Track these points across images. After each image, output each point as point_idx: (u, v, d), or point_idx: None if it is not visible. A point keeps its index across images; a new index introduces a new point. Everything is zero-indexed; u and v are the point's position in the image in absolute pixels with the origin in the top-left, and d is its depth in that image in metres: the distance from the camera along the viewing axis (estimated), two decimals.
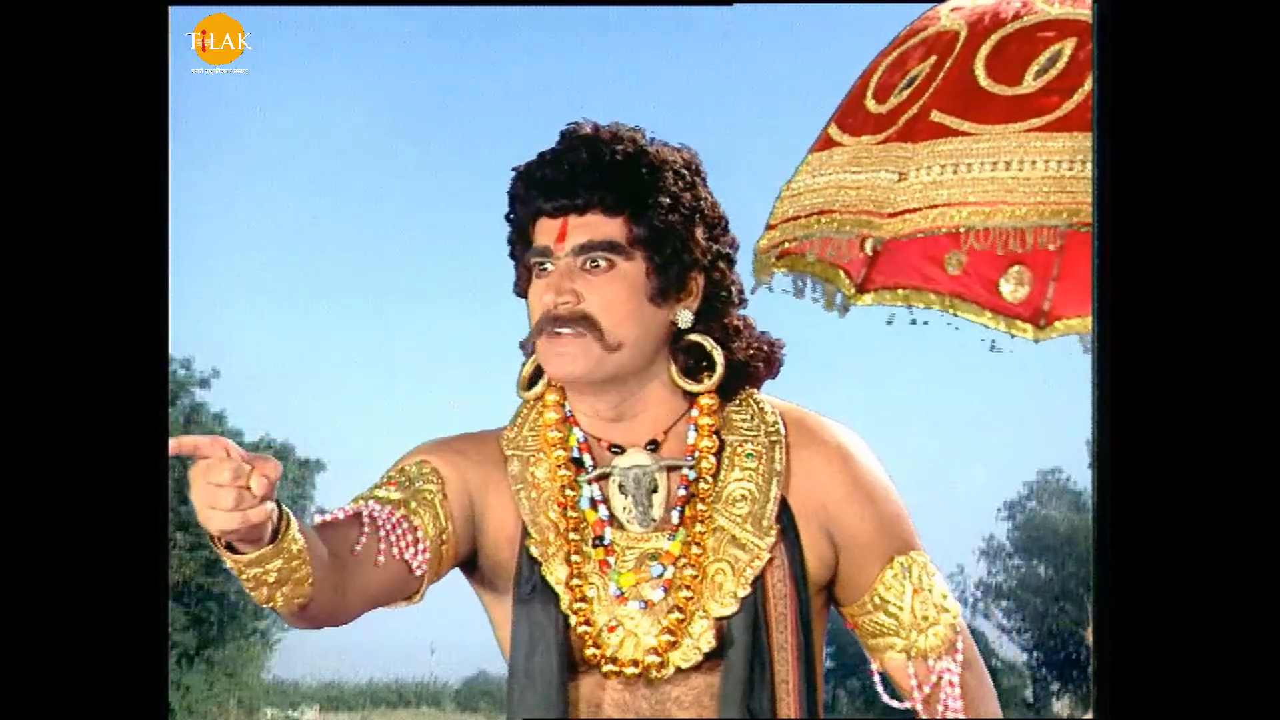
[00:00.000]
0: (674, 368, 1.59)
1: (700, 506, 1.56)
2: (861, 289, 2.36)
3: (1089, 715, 1.50)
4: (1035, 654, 33.29)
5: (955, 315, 2.35)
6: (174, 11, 1.62)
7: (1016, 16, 1.90)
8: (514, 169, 1.59)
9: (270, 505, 1.31)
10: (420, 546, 1.53)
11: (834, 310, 2.34)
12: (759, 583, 1.54)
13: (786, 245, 2.11)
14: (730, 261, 1.63)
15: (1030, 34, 1.86)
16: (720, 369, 1.59)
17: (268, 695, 26.13)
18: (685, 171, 1.59)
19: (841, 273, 2.31)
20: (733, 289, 1.63)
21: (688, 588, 1.53)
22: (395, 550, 1.51)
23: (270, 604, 1.39)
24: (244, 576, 1.36)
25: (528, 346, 1.61)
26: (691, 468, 1.58)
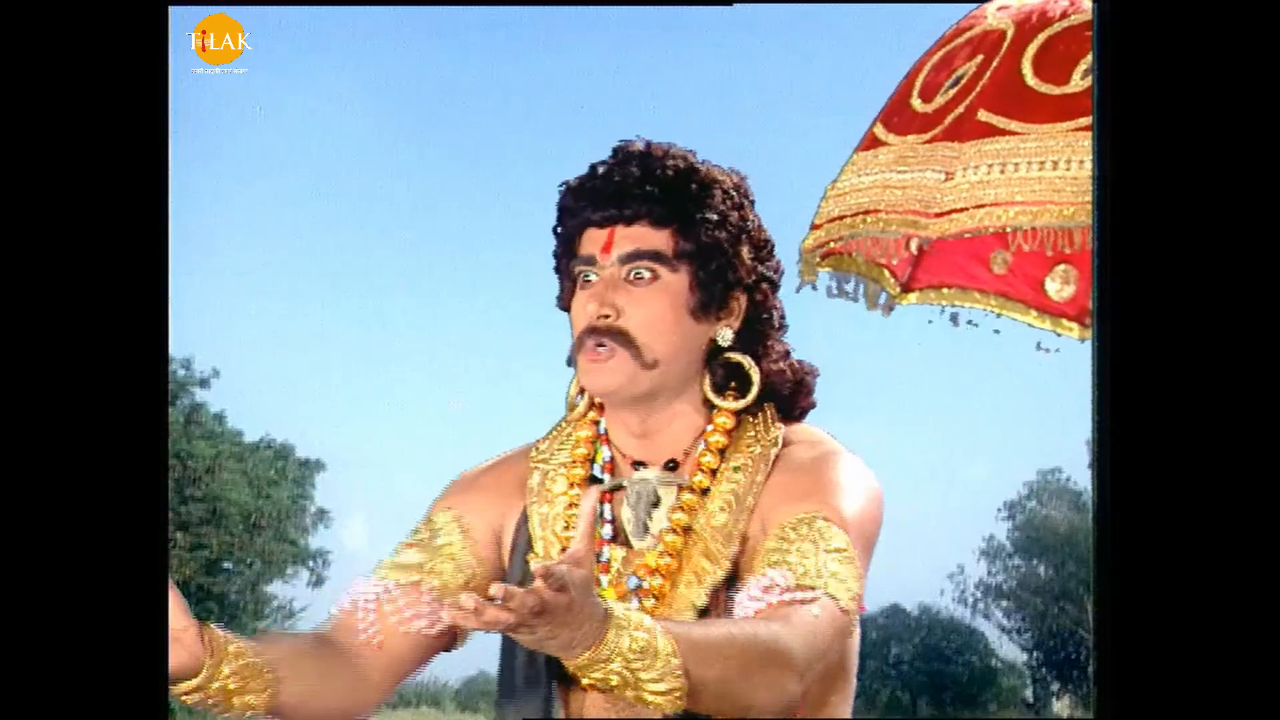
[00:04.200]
0: (708, 383, 1.59)
1: (679, 515, 1.55)
2: (906, 288, 2.35)
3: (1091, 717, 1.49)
4: (1035, 654, 33.28)
5: (1001, 315, 2.34)
6: (174, 11, 1.63)
7: (1064, 15, 1.90)
8: (563, 183, 1.61)
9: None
10: (435, 606, 1.57)
11: (879, 309, 2.33)
12: (715, 597, 1.51)
13: (832, 245, 2.10)
14: (774, 286, 1.63)
15: (1078, 32, 1.85)
16: (756, 388, 1.58)
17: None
18: (734, 193, 1.60)
19: (886, 272, 2.30)
20: (774, 313, 1.63)
21: (655, 596, 1.53)
22: (400, 626, 1.56)
23: (236, 713, 1.46)
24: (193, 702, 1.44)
25: (573, 361, 1.61)
26: (699, 484, 1.57)
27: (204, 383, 24.90)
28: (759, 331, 1.61)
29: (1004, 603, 33.53)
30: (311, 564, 25.67)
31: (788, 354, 1.64)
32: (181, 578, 22.60)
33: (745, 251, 1.58)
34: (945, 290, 2.37)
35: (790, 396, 1.63)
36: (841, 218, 1.97)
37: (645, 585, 1.54)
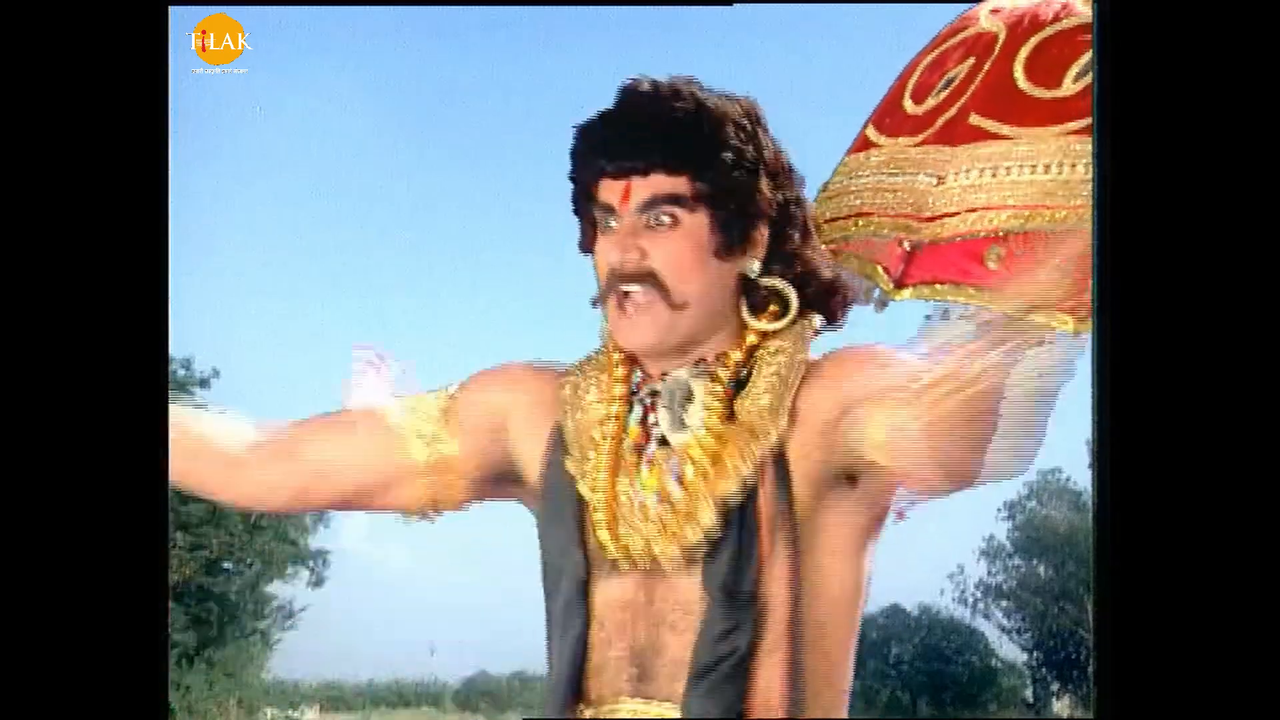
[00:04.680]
0: (744, 307, 1.61)
1: (716, 404, 1.56)
2: (900, 284, 2.35)
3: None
4: (1035, 654, 33.29)
5: (995, 309, 2.34)
6: (174, 11, 1.63)
7: (1056, 19, 1.89)
8: (575, 126, 1.60)
9: None
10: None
11: (872, 305, 2.34)
12: (756, 474, 1.53)
13: (825, 247, 2.10)
14: (799, 202, 1.64)
15: (1070, 36, 1.85)
16: (794, 310, 1.61)
17: (268, 695, 26.13)
18: (746, 122, 1.59)
19: (879, 268, 2.30)
20: (799, 230, 1.64)
21: (692, 461, 1.54)
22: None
23: None
24: None
25: (599, 305, 1.63)
26: (725, 375, 1.59)
27: (204, 383, 24.90)
28: (789, 253, 1.62)
29: (1004, 603, 33.54)
30: (311, 564, 25.68)
31: (819, 262, 1.66)
32: (181, 578, 22.61)
33: (764, 184, 1.59)
34: (939, 286, 2.37)
35: (840, 302, 1.68)
36: (834, 220, 1.97)
37: (683, 472, 1.55)
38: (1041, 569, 32.86)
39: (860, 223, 1.93)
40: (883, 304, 2.36)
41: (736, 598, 1.51)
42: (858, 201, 1.95)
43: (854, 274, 2.28)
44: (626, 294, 1.56)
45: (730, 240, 1.57)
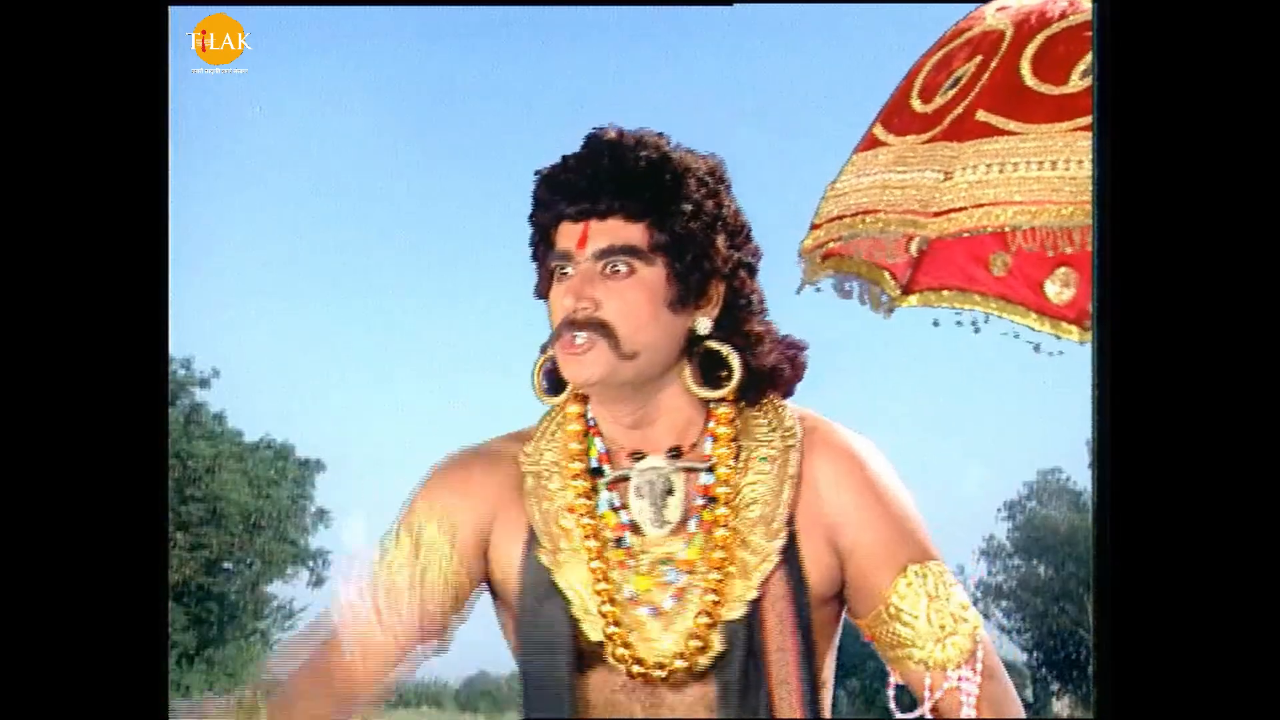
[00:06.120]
0: (689, 374, 1.59)
1: (721, 511, 1.56)
2: (907, 290, 2.35)
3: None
4: (1035, 654, 33.29)
5: (1000, 317, 2.34)
6: (174, 11, 1.63)
7: (1063, 15, 1.89)
8: (537, 172, 1.60)
9: None
10: (419, 613, 1.64)
11: (879, 311, 2.34)
12: (763, 588, 1.53)
13: (831, 245, 2.10)
14: (751, 270, 1.62)
15: (1076, 33, 1.85)
16: (738, 376, 1.58)
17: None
18: (709, 179, 1.58)
19: (886, 274, 2.30)
20: (753, 297, 1.62)
21: (714, 592, 1.53)
22: (394, 648, 1.64)
23: None
24: None
25: (547, 350, 1.61)
26: (709, 470, 1.58)
27: (204, 383, 24.91)
28: (738, 317, 1.60)
29: (1004, 603, 33.54)
30: (311, 564, 25.67)
31: (773, 334, 1.63)
32: (181, 578, 22.62)
33: (721, 240, 1.57)
34: (945, 292, 2.37)
35: (784, 377, 1.63)
36: (841, 218, 1.97)
37: (684, 583, 1.54)
38: (1041, 569, 32.85)
39: (867, 219, 1.93)
40: (890, 310, 2.36)
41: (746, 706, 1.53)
42: (864, 199, 1.94)
43: (862, 280, 2.29)
44: (576, 336, 1.54)
45: (685, 292, 1.55)
